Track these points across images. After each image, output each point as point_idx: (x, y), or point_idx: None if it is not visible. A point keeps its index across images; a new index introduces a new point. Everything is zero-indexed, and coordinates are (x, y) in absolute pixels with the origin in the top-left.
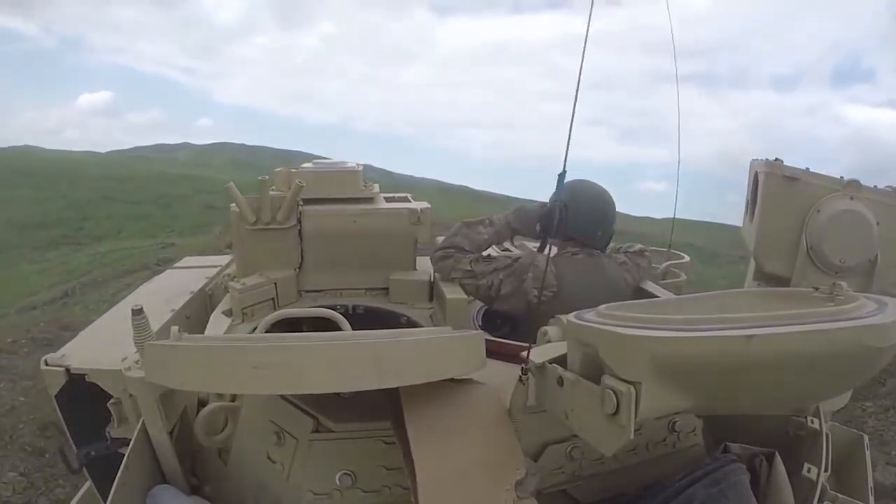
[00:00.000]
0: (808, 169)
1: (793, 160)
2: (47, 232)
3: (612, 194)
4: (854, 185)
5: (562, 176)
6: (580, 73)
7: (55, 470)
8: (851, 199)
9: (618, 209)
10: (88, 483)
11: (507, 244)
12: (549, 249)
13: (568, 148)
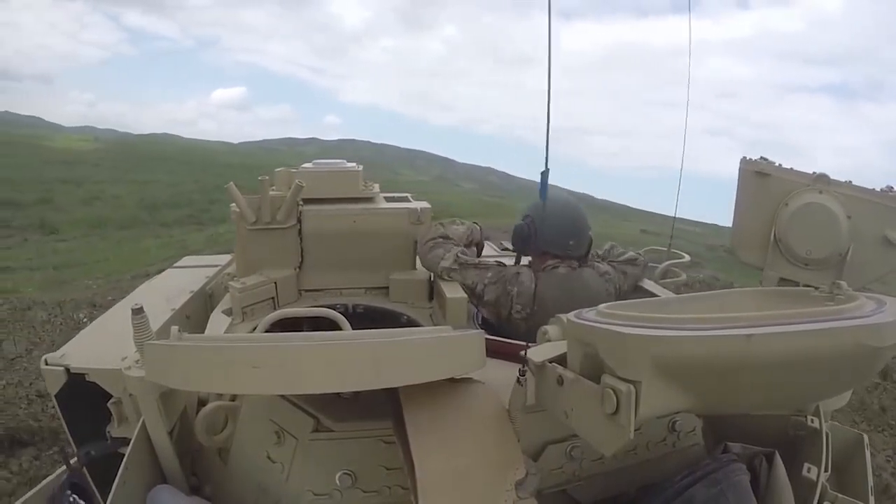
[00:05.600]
0: (779, 164)
1: None
2: (175, 212)
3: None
4: (823, 179)
5: (544, 174)
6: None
7: None
8: (820, 192)
9: None
10: (38, 487)
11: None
12: (519, 263)
13: (548, 146)
